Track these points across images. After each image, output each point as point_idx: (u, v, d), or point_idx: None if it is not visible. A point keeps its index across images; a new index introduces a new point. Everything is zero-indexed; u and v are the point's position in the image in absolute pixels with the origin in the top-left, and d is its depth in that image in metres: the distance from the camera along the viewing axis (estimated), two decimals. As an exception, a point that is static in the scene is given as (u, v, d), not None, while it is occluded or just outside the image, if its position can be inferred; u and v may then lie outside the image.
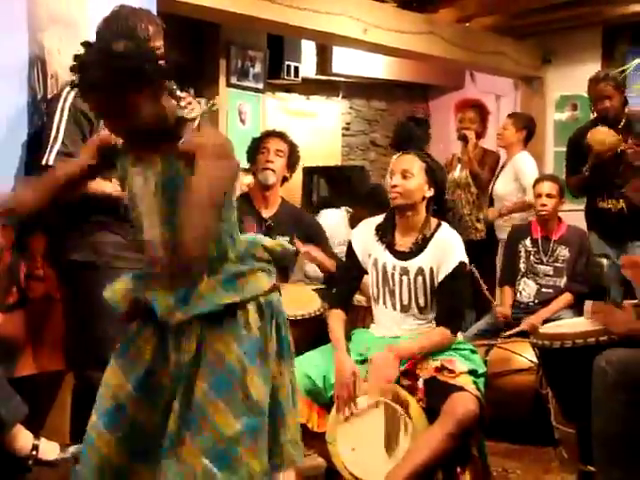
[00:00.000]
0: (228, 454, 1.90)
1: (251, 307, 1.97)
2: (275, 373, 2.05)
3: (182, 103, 2.86)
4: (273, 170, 3.72)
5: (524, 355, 3.69)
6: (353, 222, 4.69)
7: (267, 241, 2.14)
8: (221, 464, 1.89)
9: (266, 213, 3.78)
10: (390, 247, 2.99)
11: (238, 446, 1.91)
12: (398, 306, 2.98)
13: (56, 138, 2.75)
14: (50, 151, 2.74)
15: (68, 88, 2.78)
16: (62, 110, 2.77)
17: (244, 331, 1.95)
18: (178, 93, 2.89)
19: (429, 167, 2.95)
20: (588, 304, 4.37)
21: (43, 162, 2.74)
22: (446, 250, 2.92)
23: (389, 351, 2.79)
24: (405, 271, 2.95)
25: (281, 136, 3.83)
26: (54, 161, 2.72)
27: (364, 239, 3.05)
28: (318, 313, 3.47)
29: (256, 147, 3.81)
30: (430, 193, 2.95)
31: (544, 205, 4.24)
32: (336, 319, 3.00)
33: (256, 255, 2.04)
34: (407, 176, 2.93)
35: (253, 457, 1.94)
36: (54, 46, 3.20)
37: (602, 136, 4.28)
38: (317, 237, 3.88)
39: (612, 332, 2.61)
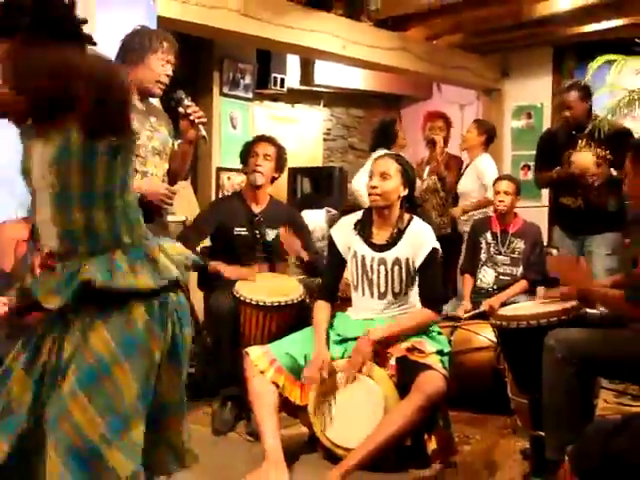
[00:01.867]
0: (88, 456, 1.57)
1: (136, 303, 1.64)
2: (164, 375, 1.72)
3: (189, 110, 2.88)
4: (262, 173, 3.73)
5: (484, 335, 3.72)
6: (331, 221, 4.74)
7: (172, 248, 1.77)
8: (79, 467, 1.56)
9: (256, 209, 3.79)
10: (368, 240, 3.00)
11: (100, 447, 1.57)
12: (376, 294, 2.98)
13: None
14: None
15: None
16: None
17: (124, 324, 1.63)
18: (186, 102, 2.92)
19: (404, 169, 2.97)
20: (541, 290, 4.43)
21: None
22: (419, 240, 2.94)
23: (367, 335, 2.80)
24: (382, 261, 2.96)
25: (270, 141, 3.83)
26: None
27: (344, 234, 3.06)
28: (300, 300, 3.47)
29: (247, 151, 3.82)
30: (404, 193, 2.96)
31: (501, 201, 4.28)
32: (321, 311, 2.99)
33: (149, 255, 1.69)
34: (386, 178, 2.93)
35: (117, 460, 1.58)
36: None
37: (584, 162, 4.22)
38: (301, 231, 3.89)
39: (565, 301, 2.63)
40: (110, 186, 1.65)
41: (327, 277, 3.15)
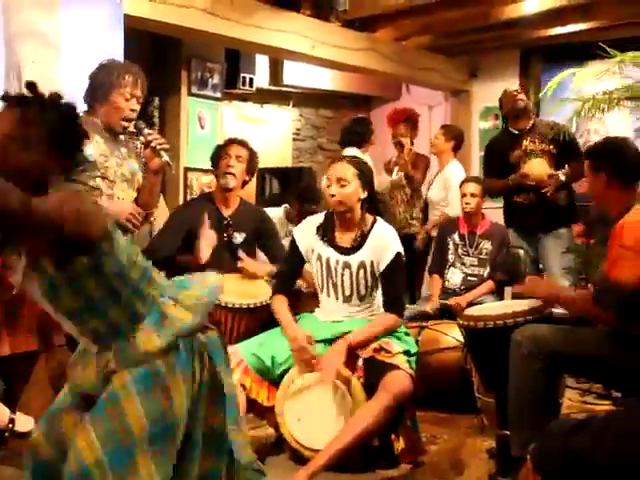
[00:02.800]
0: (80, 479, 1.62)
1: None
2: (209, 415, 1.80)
3: (149, 138, 2.86)
4: (234, 175, 3.69)
5: (451, 335, 3.74)
6: (289, 216, 4.74)
7: (187, 297, 1.83)
8: None
9: (226, 212, 3.74)
10: (332, 243, 2.99)
11: (93, 471, 1.61)
12: (341, 297, 2.98)
13: None
14: None
15: None
16: None
17: (144, 364, 1.70)
18: (146, 130, 2.89)
19: (361, 172, 2.96)
20: (508, 291, 4.48)
21: None
22: (384, 243, 2.94)
23: (342, 342, 2.79)
24: (347, 265, 2.95)
25: (242, 143, 3.79)
26: None
27: (307, 236, 3.04)
28: (269, 302, 3.45)
29: (219, 153, 3.78)
30: (364, 195, 2.96)
31: (468, 203, 4.32)
32: (280, 302, 3.01)
33: (163, 313, 1.76)
34: (343, 184, 2.92)
35: None
36: (28, 56, 3.13)
37: (539, 171, 4.33)
38: (269, 233, 3.87)
39: (535, 300, 2.67)
40: (109, 287, 1.68)
41: (284, 274, 3.15)
